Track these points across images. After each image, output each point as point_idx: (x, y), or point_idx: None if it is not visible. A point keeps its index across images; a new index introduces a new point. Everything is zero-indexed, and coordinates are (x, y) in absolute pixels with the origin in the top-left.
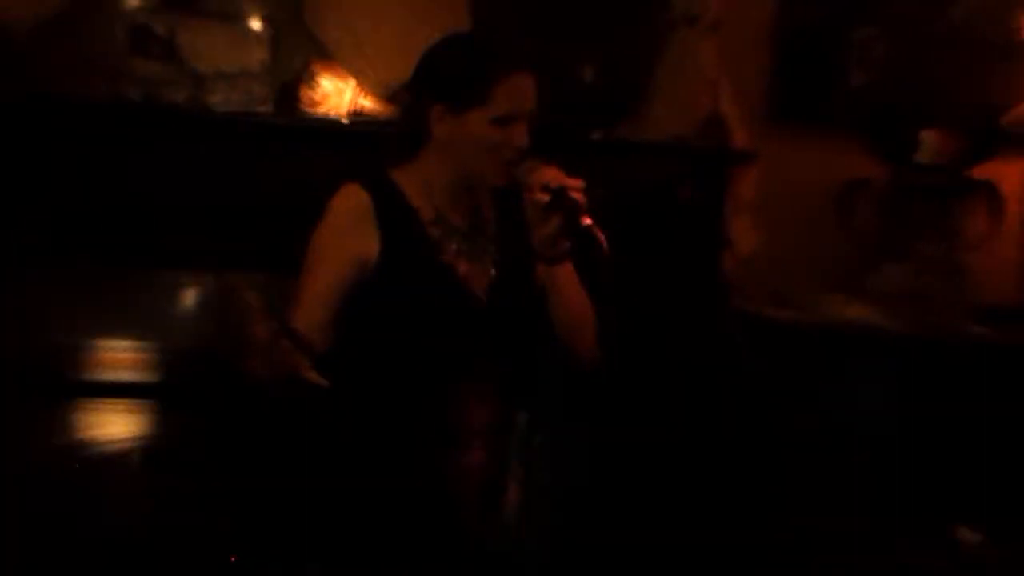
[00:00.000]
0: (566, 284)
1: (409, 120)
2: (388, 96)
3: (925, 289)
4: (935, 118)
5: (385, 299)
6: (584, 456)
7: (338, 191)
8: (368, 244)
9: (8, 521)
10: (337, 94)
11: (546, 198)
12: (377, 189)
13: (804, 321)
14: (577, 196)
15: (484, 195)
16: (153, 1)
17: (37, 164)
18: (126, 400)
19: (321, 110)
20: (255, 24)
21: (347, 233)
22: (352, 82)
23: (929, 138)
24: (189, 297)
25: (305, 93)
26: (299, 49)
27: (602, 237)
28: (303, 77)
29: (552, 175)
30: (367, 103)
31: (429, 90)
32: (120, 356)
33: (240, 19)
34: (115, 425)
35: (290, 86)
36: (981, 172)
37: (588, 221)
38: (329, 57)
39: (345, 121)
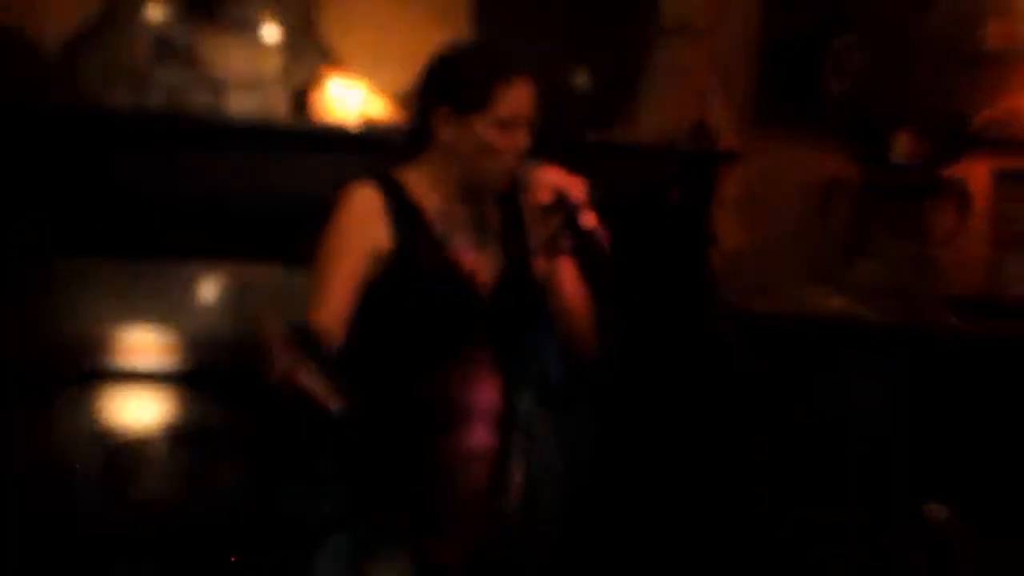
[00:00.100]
0: (566, 278)
1: (416, 123)
2: (395, 102)
3: (899, 282)
4: (908, 122)
5: (395, 289)
6: (584, 439)
7: (350, 190)
8: (380, 238)
9: (35, 504)
10: (347, 100)
11: (549, 198)
12: (387, 187)
13: (787, 312)
14: (579, 196)
15: (487, 194)
16: (175, 14)
17: (68, 167)
18: (150, 385)
19: (332, 115)
20: (270, 35)
21: (360, 228)
22: (361, 88)
23: (902, 140)
24: (209, 289)
25: (317, 99)
26: (311, 58)
27: (603, 235)
28: (315, 84)
29: (555, 175)
30: (375, 108)
31: (435, 96)
32: (145, 344)
33: (256, 30)
34: (139, 409)
35: (303, 93)
36: (950, 172)
37: (590, 220)
38: (339, 65)
39: (354, 126)
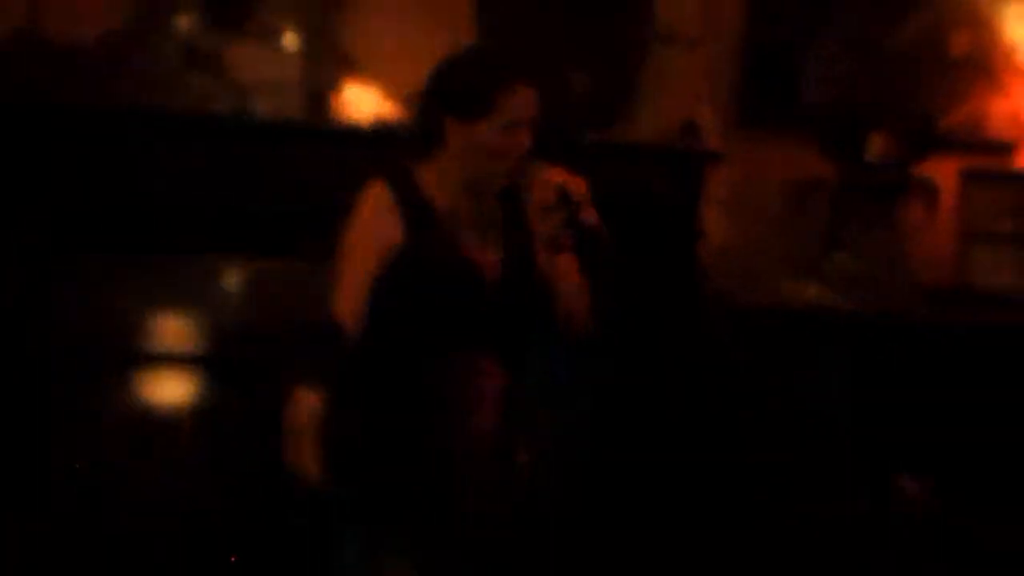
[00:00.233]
0: (566, 270)
1: (425, 126)
2: (406, 103)
3: (873, 273)
4: (881, 124)
5: (405, 281)
6: (584, 422)
7: (365, 187)
8: (393, 233)
9: (76, 479)
10: (361, 102)
11: (552, 197)
12: (399, 185)
13: (768, 302)
14: (580, 195)
15: (492, 191)
16: (203, 23)
17: (102, 167)
18: (176, 368)
19: (347, 116)
20: (290, 42)
21: (375, 224)
22: (374, 91)
23: (876, 142)
24: (233, 280)
25: (333, 101)
26: (328, 63)
27: (604, 232)
28: (332, 87)
29: (558, 176)
30: (387, 110)
31: (442, 101)
32: (172, 331)
33: (278, 38)
34: (166, 390)
35: (320, 95)
36: (920, 171)
37: (591, 217)
38: (354, 70)
39: (368, 126)
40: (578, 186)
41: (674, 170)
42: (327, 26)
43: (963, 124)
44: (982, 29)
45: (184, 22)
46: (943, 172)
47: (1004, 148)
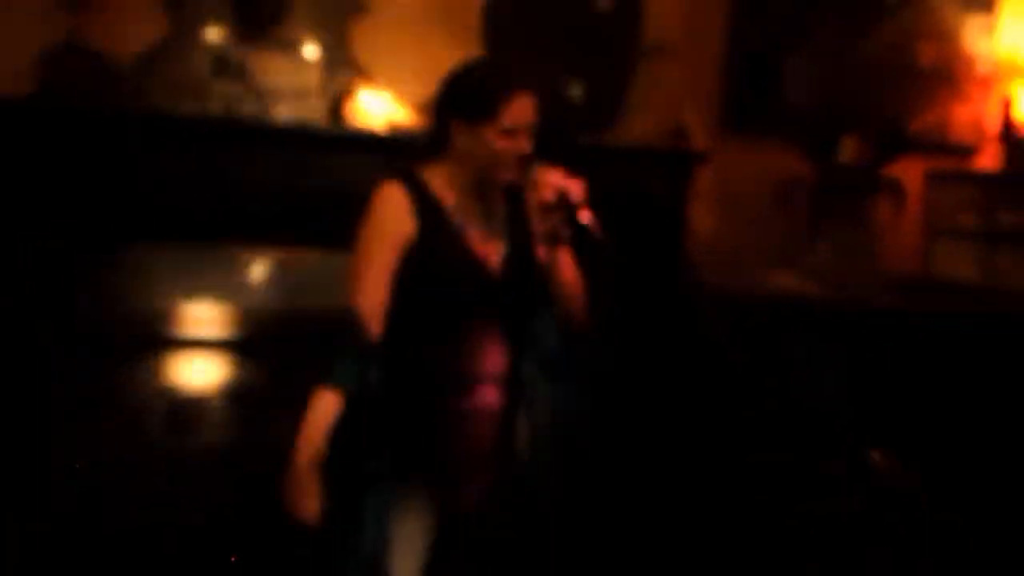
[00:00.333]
0: (565, 265)
1: (434, 130)
2: (417, 110)
3: (847, 265)
4: (853, 128)
5: (417, 272)
6: (581, 402)
7: (379, 187)
8: (407, 229)
9: (109, 453)
10: (376, 108)
11: (552, 196)
12: (411, 184)
13: (751, 291)
14: (578, 195)
15: (496, 190)
16: (231, 35)
17: (137, 167)
18: (208, 351)
19: (363, 122)
20: (311, 53)
21: (390, 221)
22: (388, 98)
23: (848, 145)
24: (259, 270)
25: (350, 108)
26: (345, 72)
27: (600, 230)
28: (348, 95)
29: (557, 177)
30: (400, 116)
31: (450, 108)
32: (205, 316)
33: (299, 49)
34: (199, 372)
35: (338, 102)
36: (889, 172)
37: (587, 216)
38: (369, 78)
39: (382, 130)
40: (576, 186)
41: (664, 170)
42: (345, 39)
43: (929, 129)
44: (947, 41)
45: (213, 34)
46: (910, 173)
47: (966, 151)
